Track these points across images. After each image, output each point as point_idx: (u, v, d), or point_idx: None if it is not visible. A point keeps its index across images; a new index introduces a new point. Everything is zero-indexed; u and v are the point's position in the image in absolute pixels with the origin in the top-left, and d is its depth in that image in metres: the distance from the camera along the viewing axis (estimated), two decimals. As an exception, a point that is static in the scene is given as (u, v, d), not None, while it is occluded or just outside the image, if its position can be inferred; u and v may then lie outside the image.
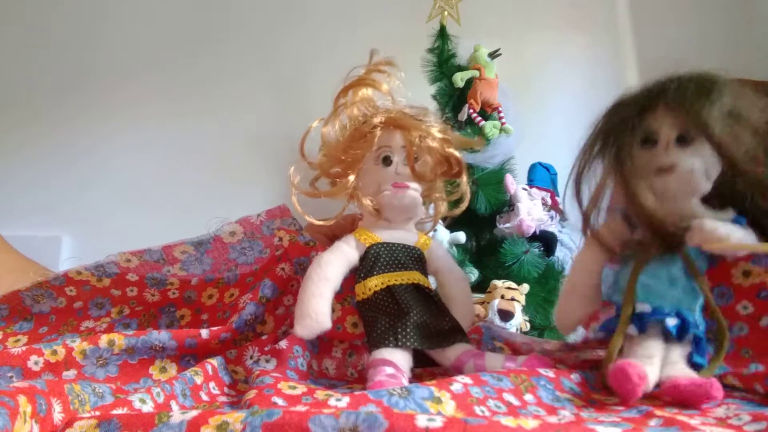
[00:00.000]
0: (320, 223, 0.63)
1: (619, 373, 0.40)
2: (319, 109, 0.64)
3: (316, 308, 0.52)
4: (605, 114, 0.51)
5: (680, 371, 0.42)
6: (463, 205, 0.65)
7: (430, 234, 0.66)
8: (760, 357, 0.44)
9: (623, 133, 0.48)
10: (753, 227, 0.46)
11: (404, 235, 0.60)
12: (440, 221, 0.68)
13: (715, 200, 0.47)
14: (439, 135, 0.59)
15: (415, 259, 0.59)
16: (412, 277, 0.57)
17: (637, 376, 0.40)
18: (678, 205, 0.47)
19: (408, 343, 0.50)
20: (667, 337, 0.45)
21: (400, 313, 0.53)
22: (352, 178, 0.59)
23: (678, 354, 0.44)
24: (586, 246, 0.52)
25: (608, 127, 0.50)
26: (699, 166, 0.46)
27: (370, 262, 0.57)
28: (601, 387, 0.44)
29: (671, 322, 0.44)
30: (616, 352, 0.45)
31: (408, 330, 0.51)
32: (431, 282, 0.61)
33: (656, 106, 0.47)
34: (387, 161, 0.59)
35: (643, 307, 0.46)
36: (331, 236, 0.64)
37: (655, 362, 0.43)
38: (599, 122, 0.51)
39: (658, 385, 0.42)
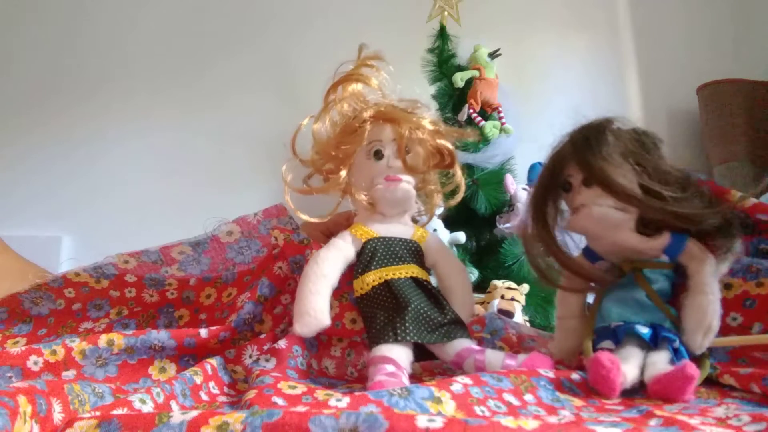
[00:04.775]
0: (314, 220, 0.63)
1: (592, 362, 0.43)
2: (318, 106, 0.64)
3: (315, 306, 0.52)
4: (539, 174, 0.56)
5: (660, 369, 0.43)
6: (459, 196, 0.65)
7: (427, 227, 0.66)
8: (757, 364, 0.45)
9: (540, 196, 0.54)
10: (705, 236, 0.49)
11: (400, 229, 0.60)
12: (440, 221, 0.68)
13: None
14: (429, 126, 0.60)
15: (412, 252, 0.59)
16: (410, 270, 0.57)
17: (609, 360, 0.42)
18: (610, 239, 0.51)
19: (407, 338, 0.50)
20: (644, 347, 0.46)
21: (399, 307, 0.53)
22: (343, 173, 0.59)
23: (657, 357, 0.45)
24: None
25: (534, 190, 0.55)
26: (605, 203, 0.50)
27: (367, 257, 0.57)
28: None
29: (643, 329, 0.47)
30: (590, 349, 0.48)
31: (407, 324, 0.51)
32: (431, 275, 0.61)
33: (567, 159, 0.52)
34: (378, 155, 0.59)
35: (616, 323, 0.48)
36: (327, 233, 0.64)
37: (632, 362, 0.45)
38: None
39: (644, 387, 0.43)
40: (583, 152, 0.50)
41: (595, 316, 0.51)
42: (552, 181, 0.54)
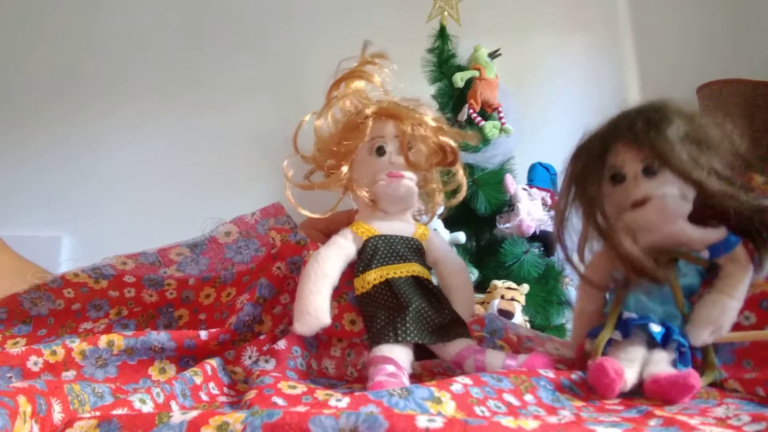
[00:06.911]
0: (316, 216, 0.62)
1: (597, 368, 0.42)
2: (317, 106, 0.64)
3: (315, 305, 0.52)
4: (571, 159, 0.51)
5: (662, 369, 0.43)
6: (461, 195, 0.65)
7: (428, 227, 0.66)
8: (762, 368, 0.44)
9: (589, 181, 0.49)
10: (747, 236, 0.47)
11: (401, 227, 0.60)
12: (440, 220, 0.68)
13: (713, 219, 0.48)
14: (432, 123, 0.59)
15: (414, 250, 0.59)
16: (411, 269, 0.57)
17: (614, 371, 0.41)
18: (665, 232, 0.47)
19: (408, 338, 0.50)
20: (651, 345, 0.46)
21: (399, 307, 0.53)
22: (345, 169, 0.58)
23: (661, 356, 0.45)
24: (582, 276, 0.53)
25: (575, 174, 0.51)
26: (672, 192, 0.46)
27: (368, 255, 0.57)
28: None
29: (656, 328, 0.45)
30: (601, 350, 0.46)
31: (407, 324, 0.51)
32: (432, 274, 0.61)
33: (615, 145, 0.48)
34: (380, 151, 0.58)
35: (630, 314, 0.47)
36: (326, 233, 0.64)
37: (635, 366, 0.44)
38: (568, 167, 0.52)
39: (641, 387, 0.42)
40: (650, 137, 0.45)
41: (614, 317, 0.48)
42: (597, 170, 0.48)
